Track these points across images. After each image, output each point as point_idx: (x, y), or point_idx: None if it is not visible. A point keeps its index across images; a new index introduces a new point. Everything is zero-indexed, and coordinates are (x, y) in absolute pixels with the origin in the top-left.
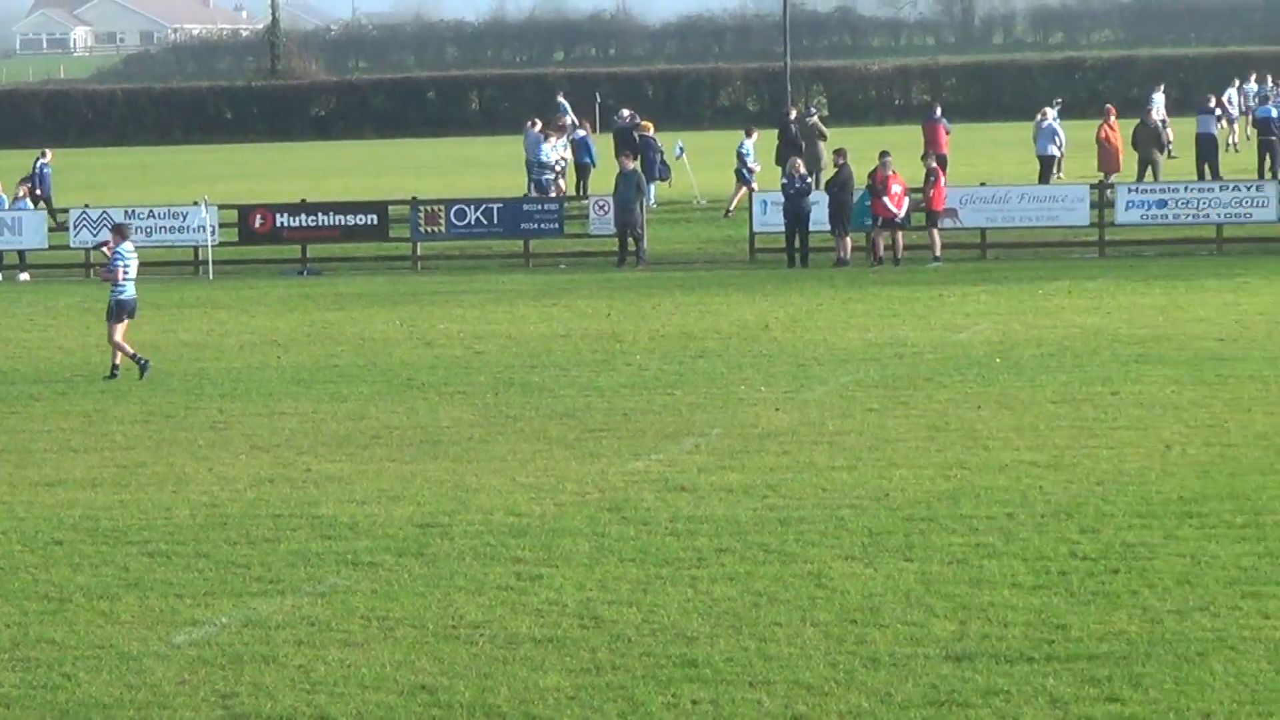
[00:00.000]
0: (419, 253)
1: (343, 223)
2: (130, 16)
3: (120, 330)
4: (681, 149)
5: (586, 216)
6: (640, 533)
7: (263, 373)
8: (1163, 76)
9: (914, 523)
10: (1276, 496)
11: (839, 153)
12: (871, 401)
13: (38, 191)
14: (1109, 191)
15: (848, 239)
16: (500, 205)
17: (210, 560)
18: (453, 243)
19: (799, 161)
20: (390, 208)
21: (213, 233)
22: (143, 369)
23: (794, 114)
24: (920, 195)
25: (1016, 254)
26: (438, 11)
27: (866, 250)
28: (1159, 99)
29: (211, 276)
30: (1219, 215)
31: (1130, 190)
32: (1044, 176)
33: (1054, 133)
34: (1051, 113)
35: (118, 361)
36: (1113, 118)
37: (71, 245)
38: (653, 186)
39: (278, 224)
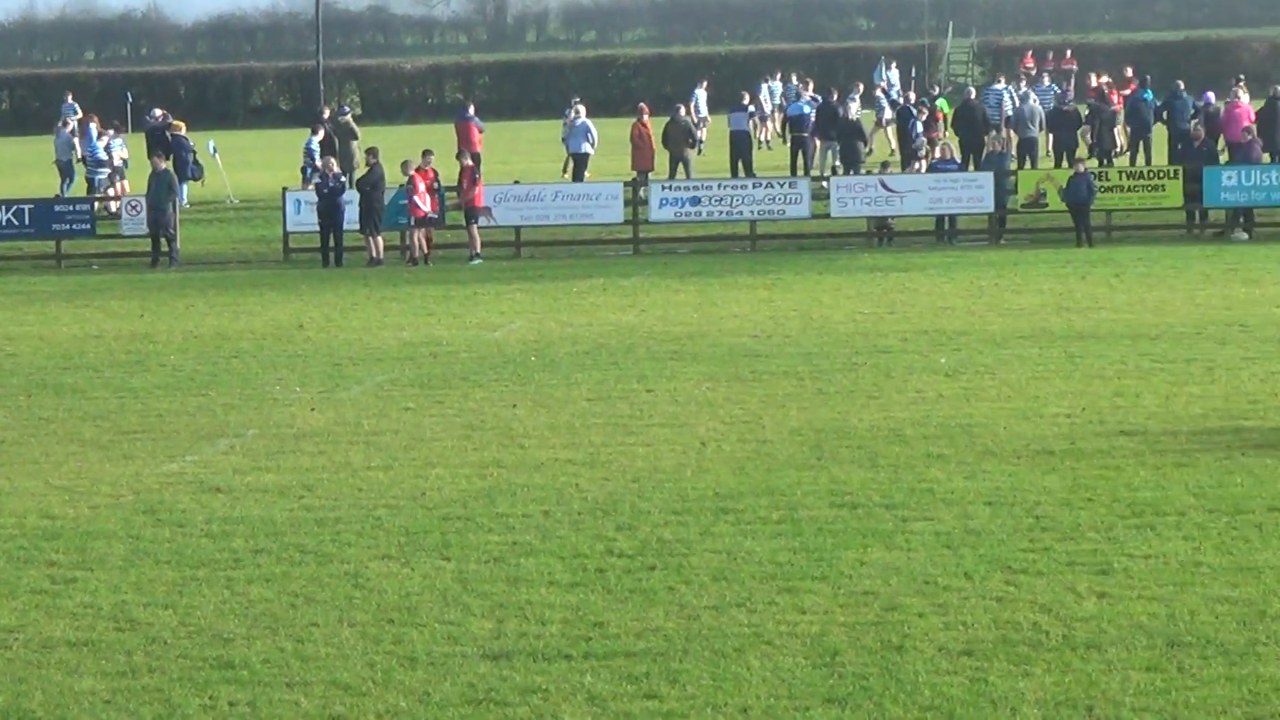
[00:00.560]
0: None
1: None
2: None
3: None
4: (214, 148)
5: (119, 217)
6: (176, 535)
7: None
8: (698, 74)
9: (450, 522)
10: (811, 492)
11: (371, 151)
12: (407, 401)
13: None
14: (642, 189)
15: (379, 238)
16: (31, 206)
17: None
18: None
19: (332, 160)
20: None
21: None
22: None
23: (327, 113)
24: (456, 194)
25: (552, 252)
26: None
27: (401, 249)
28: (701, 95)
29: None
30: (752, 212)
31: (664, 188)
32: (579, 174)
33: (587, 130)
34: (582, 110)
35: None
36: (646, 115)
37: None
38: (185, 186)
39: None
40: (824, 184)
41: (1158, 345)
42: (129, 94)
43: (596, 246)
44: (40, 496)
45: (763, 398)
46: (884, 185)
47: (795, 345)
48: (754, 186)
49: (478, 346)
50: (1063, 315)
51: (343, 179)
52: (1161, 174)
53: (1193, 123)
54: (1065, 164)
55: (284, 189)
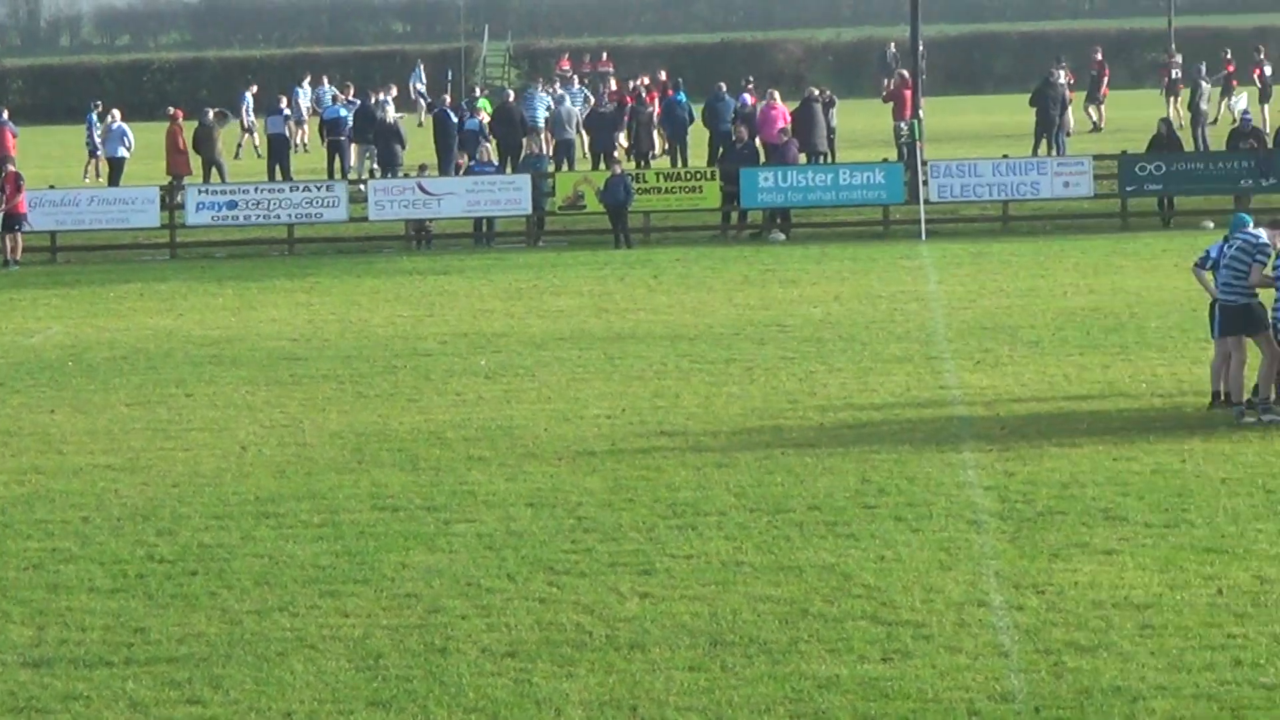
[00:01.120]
0: None
1: None
2: None
3: None
4: None
5: None
6: None
7: None
8: (234, 78)
9: None
10: (352, 495)
11: None
12: None
13: None
14: (179, 193)
15: None
16: None
17: None
18: None
19: None
20: None
21: None
22: None
23: None
24: None
25: (88, 257)
26: None
27: None
28: (249, 99)
29: None
30: (290, 216)
31: (200, 191)
32: (114, 179)
33: (123, 134)
34: (118, 114)
35: None
36: (180, 119)
37: None
38: None
39: None
40: (361, 187)
41: (697, 346)
42: None
43: (133, 251)
44: None
45: (302, 401)
46: (421, 188)
47: (334, 349)
48: (291, 190)
49: (14, 352)
50: (602, 317)
51: None
52: (699, 175)
53: (733, 124)
54: (603, 166)
55: None
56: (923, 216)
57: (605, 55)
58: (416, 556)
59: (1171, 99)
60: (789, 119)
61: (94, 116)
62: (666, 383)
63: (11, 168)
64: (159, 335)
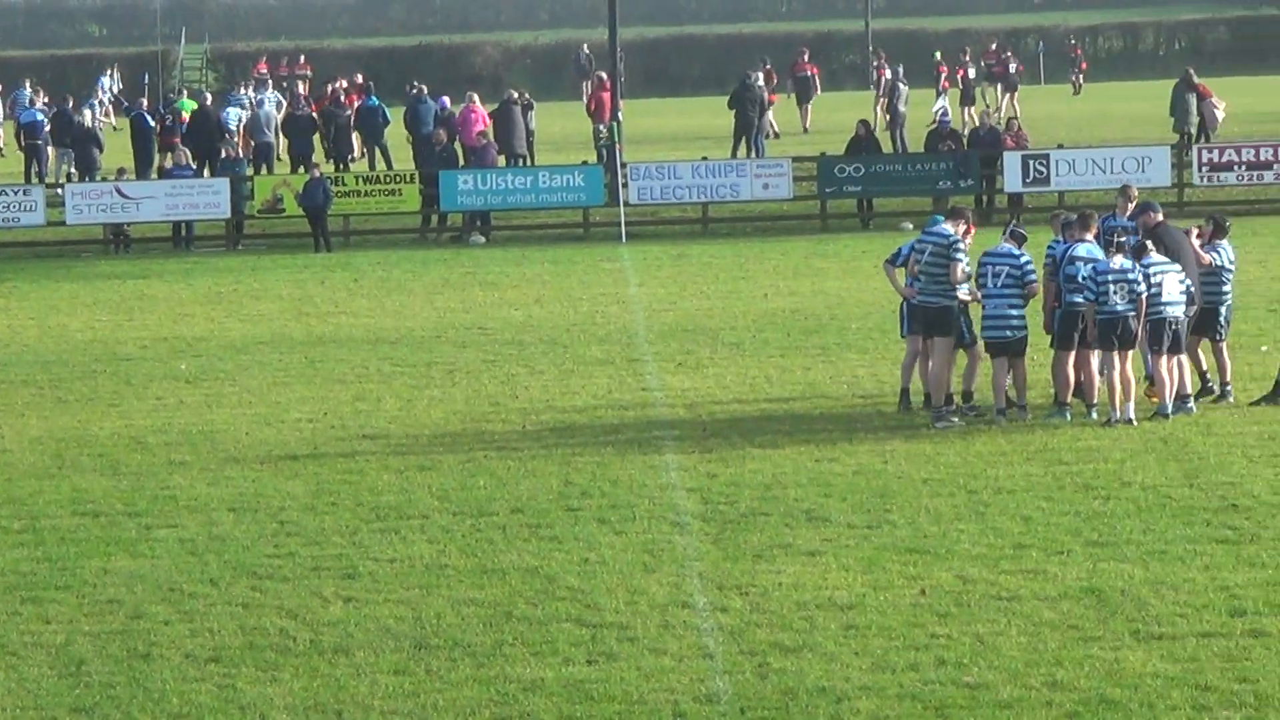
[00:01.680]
0: None
1: None
2: None
3: None
4: None
5: None
6: None
7: None
8: None
9: None
10: (53, 501)
11: None
12: None
13: None
14: None
15: None
16: None
17: None
18: None
19: None
20: None
21: None
22: None
23: None
24: None
25: None
26: None
27: None
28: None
29: None
30: None
31: None
32: None
33: None
34: None
35: None
36: None
37: None
38: None
39: None
40: (59, 191)
41: (398, 349)
42: None
43: None
44: None
45: (1, 407)
46: (120, 192)
47: (33, 354)
48: None
49: None
50: (302, 321)
51: None
52: (398, 178)
53: (436, 129)
54: (302, 169)
55: None
56: (623, 219)
57: (303, 58)
58: (118, 562)
59: (883, 100)
60: (488, 122)
61: None
62: (368, 386)
63: None
64: None
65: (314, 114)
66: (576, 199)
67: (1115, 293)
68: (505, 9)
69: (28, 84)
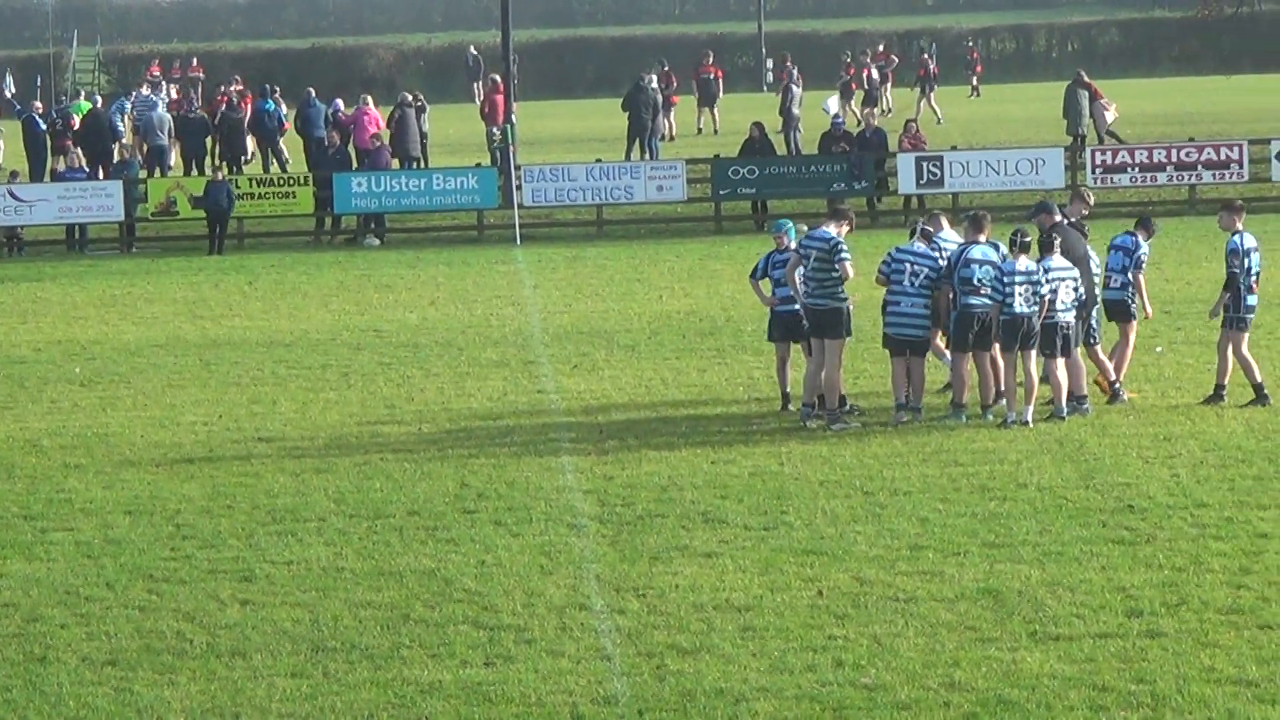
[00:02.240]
0: None
1: None
2: None
3: None
4: None
5: None
6: None
7: None
8: None
9: None
10: None
11: None
12: None
13: None
14: None
15: None
16: None
17: None
18: None
19: None
20: None
21: None
22: None
23: None
24: None
25: None
26: None
27: None
28: None
29: None
30: None
31: None
32: None
33: None
34: None
35: None
36: None
37: None
38: None
39: None
40: None
41: (293, 352)
42: None
43: None
44: None
45: None
46: (12, 194)
47: None
48: None
49: None
50: (197, 323)
51: None
52: (292, 181)
53: (330, 131)
54: (195, 171)
55: None
56: (517, 221)
57: (195, 61)
58: (14, 565)
59: (847, 101)
60: (381, 124)
61: None
62: (263, 389)
63: None
64: None
65: (206, 116)
66: (471, 201)
67: (1020, 294)
68: (398, 11)
69: None
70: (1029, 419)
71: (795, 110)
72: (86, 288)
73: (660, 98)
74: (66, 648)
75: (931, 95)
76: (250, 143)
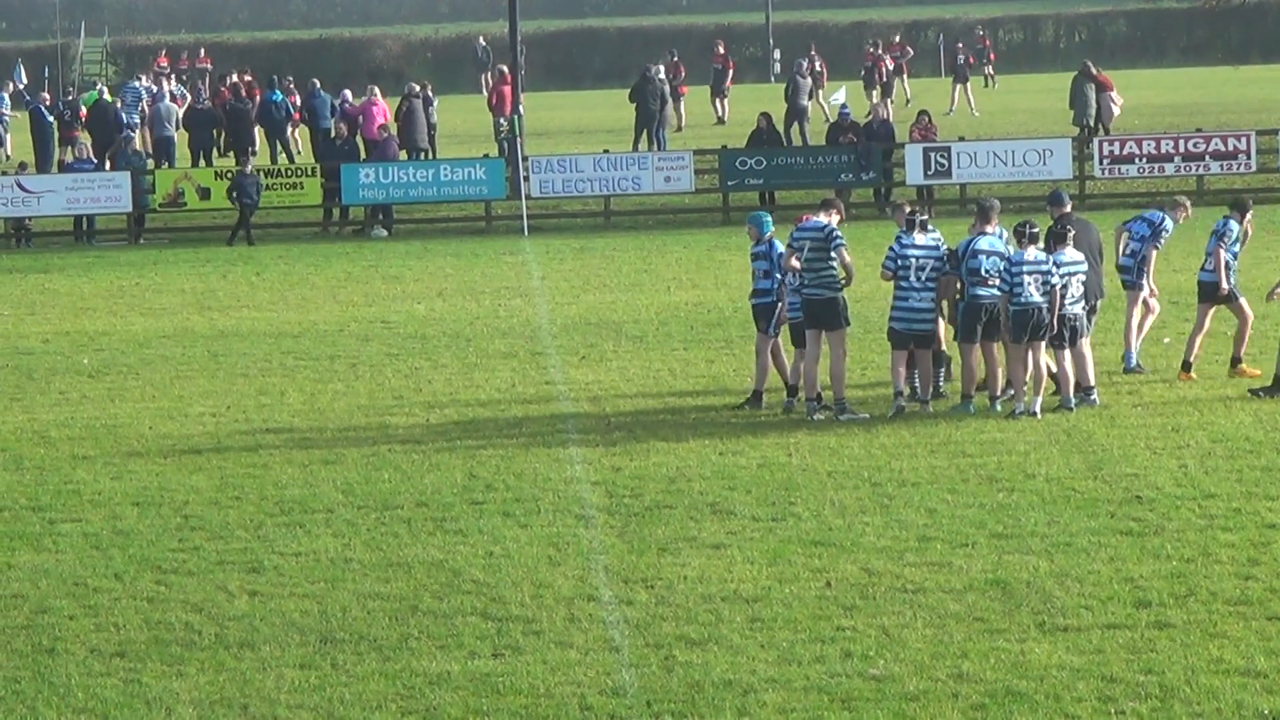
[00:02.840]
0: None
1: None
2: None
3: None
4: None
5: None
6: None
7: None
8: None
9: None
10: None
11: None
12: None
13: None
14: None
15: None
16: None
17: None
18: None
19: None
20: None
21: None
22: None
23: None
24: None
25: None
26: None
27: None
28: None
29: None
30: None
31: None
32: None
33: None
34: None
35: None
36: None
37: None
38: None
39: None
40: None
41: (301, 343)
42: None
43: None
44: None
45: None
46: (20, 186)
47: None
48: None
49: None
50: (205, 314)
51: None
52: (300, 172)
53: (337, 123)
54: (203, 163)
55: None
56: (525, 212)
57: (203, 52)
58: (22, 557)
59: (871, 91)
60: (389, 115)
61: None
62: (271, 380)
63: None
64: None
65: (214, 107)
66: (478, 192)
67: (1029, 284)
68: (405, 2)
69: None
70: (1037, 410)
71: (803, 102)
72: (94, 279)
73: (668, 88)
74: (75, 639)
75: (967, 86)
76: (259, 134)
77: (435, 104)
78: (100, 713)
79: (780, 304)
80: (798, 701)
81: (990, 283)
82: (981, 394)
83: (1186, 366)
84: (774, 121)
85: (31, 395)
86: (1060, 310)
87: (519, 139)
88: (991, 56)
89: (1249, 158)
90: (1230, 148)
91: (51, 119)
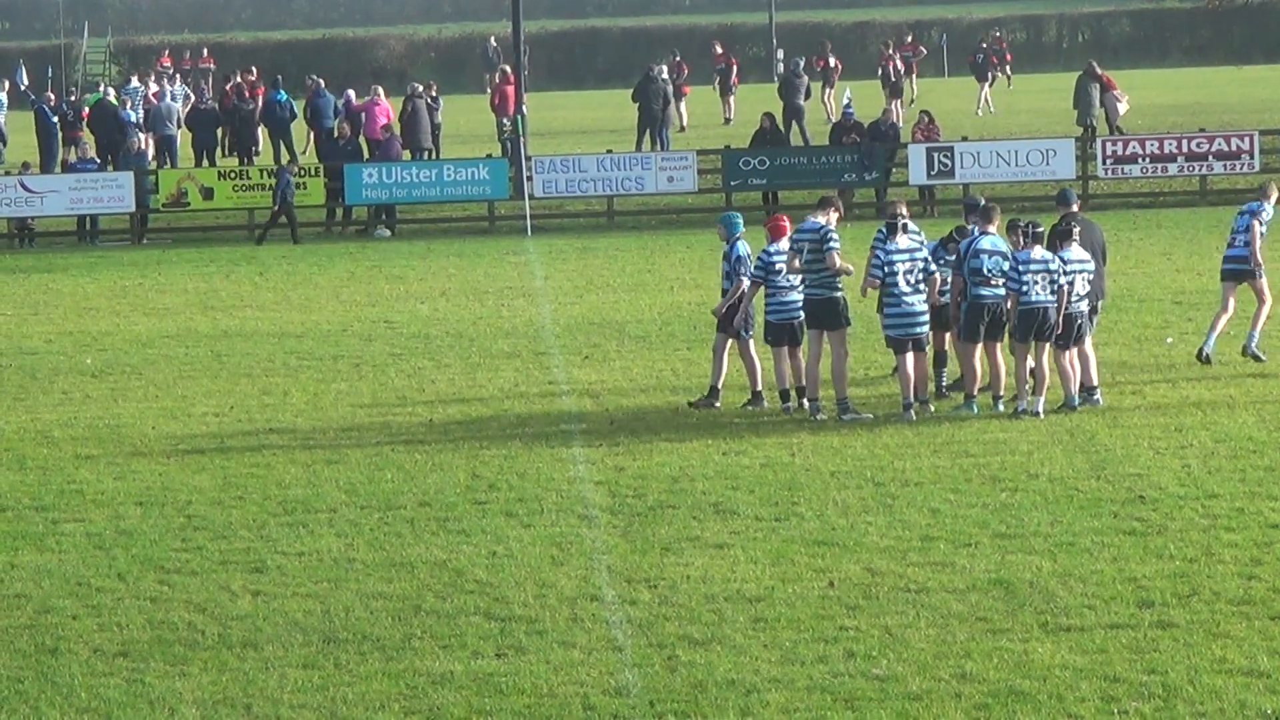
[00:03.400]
0: None
1: None
2: None
3: None
4: None
5: None
6: None
7: None
8: None
9: None
10: None
11: None
12: None
13: None
14: None
15: None
16: None
17: None
18: None
19: None
20: None
21: None
22: None
23: None
24: None
25: None
26: None
27: None
28: None
29: None
30: None
31: None
32: None
33: None
34: None
35: None
36: None
37: None
38: None
39: None
40: None
41: (304, 343)
42: None
43: None
44: None
45: None
46: (23, 186)
47: None
48: None
49: None
50: (208, 314)
51: None
52: (303, 172)
53: (336, 121)
54: (206, 163)
55: None
56: (528, 212)
57: (206, 52)
58: (25, 556)
59: (887, 90)
60: (391, 115)
61: None
62: (274, 380)
63: None
64: None
65: (218, 107)
66: (481, 192)
67: (1036, 283)
68: (408, 2)
69: None
70: (1040, 410)
71: (799, 101)
72: (98, 279)
73: (671, 88)
74: (78, 639)
75: (989, 86)
76: (262, 134)
77: (441, 105)
78: (103, 712)
79: (742, 305)
80: (800, 701)
81: (993, 282)
82: (985, 394)
83: (1205, 359)
84: (777, 121)
85: (35, 395)
86: (1065, 309)
87: (522, 139)
88: (1009, 57)
89: (1252, 158)
90: (1234, 148)
91: (55, 118)
